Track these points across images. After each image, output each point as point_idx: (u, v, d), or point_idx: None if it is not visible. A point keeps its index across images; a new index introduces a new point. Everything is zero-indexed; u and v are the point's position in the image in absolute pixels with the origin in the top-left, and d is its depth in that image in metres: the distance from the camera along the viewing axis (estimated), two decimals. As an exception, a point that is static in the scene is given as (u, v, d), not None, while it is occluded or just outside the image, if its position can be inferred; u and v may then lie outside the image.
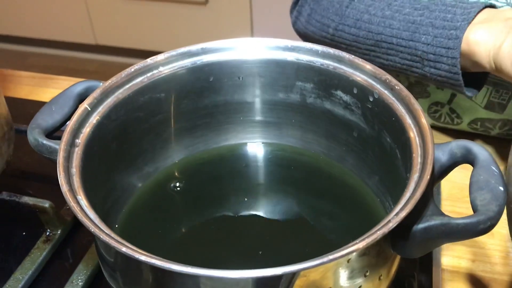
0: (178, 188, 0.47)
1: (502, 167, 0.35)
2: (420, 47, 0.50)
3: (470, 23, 0.46)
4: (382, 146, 0.42)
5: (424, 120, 0.36)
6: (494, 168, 0.34)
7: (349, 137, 0.46)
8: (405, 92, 0.39)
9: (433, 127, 0.63)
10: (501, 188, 0.33)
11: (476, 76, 0.49)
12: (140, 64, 0.43)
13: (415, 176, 0.33)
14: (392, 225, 0.29)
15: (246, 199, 0.47)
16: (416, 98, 0.61)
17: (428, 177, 0.32)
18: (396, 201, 0.41)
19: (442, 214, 0.32)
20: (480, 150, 0.35)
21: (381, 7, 0.54)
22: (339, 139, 0.47)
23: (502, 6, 0.52)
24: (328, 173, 0.49)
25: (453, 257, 0.48)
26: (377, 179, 0.45)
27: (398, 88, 0.39)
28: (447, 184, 0.55)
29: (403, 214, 0.29)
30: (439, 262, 0.46)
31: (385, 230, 0.29)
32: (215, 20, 1.73)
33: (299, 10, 0.63)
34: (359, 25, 0.55)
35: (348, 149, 0.47)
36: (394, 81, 0.40)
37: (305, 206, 0.47)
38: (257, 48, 0.45)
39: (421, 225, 0.32)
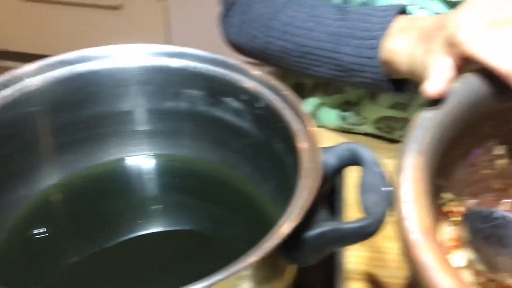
0: (58, 213, 0.43)
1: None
2: (344, 58, 0.51)
3: (387, 32, 0.48)
4: (274, 153, 0.42)
5: (311, 125, 0.36)
6: (378, 169, 0.35)
7: (242, 144, 0.45)
8: (292, 97, 0.39)
9: (338, 130, 0.64)
10: (387, 189, 0.33)
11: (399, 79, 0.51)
12: (5, 75, 0.39)
13: (303, 182, 0.33)
14: (281, 237, 0.28)
15: (137, 217, 0.44)
16: (331, 94, 0.63)
17: (317, 182, 0.31)
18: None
19: (334, 219, 0.32)
20: (366, 151, 0.36)
21: (304, 19, 0.54)
22: (232, 146, 0.46)
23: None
24: (223, 182, 0.47)
25: (356, 263, 0.48)
26: (271, 186, 0.44)
27: (286, 93, 0.39)
28: (353, 189, 0.55)
29: (292, 224, 0.29)
30: (341, 270, 0.47)
31: (273, 242, 0.28)
32: (129, 26, 1.66)
33: (230, 21, 0.62)
34: (285, 37, 0.55)
35: (242, 156, 0.46)
36: (281, 86, 0.40)
37: (202, 218, 0.46)
38: (137, 55, 0.42)
39: (313, 232, 0.31)
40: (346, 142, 0.37)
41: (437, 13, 0.53)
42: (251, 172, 0.46)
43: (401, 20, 0.48)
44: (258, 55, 0.59)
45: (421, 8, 0.53)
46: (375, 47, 0.48)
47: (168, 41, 1.70)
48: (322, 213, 0.33)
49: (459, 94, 0.36)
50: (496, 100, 0.37)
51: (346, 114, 0.63)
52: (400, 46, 0.46)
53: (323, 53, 0.52)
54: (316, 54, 0.53)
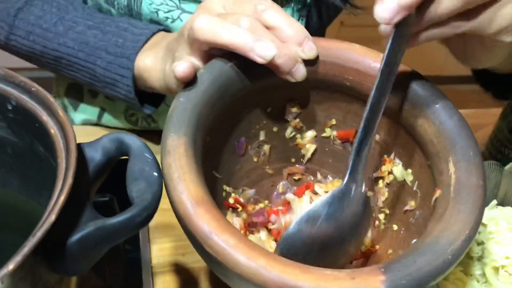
0: None
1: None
2: (98, 70, 0.48)
3: (138, 52, 0.46)
4: (39, 158, 0.37)
5: (64, 119, 0.32)
6: (147, 155, 0.33)
7: (5, 156, 0.39)
8: (43, 92, 0.34)
9: (132, 130, 0.61)
10: (155, 174, 0.32)
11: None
12: None
13: (59, 185, 0.29)
14: (26, 251, 0.24)
15: None
16: (114, 100, 0.59)
17: (68, 183, 0.28)
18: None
19: (98, 217, 0.29)
20: (133, 139, 0.34)
21: (53, 21, 0.49)
22: (-6, 160, 0.40)
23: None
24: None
25: (163, 256, 0.47)
26: (47, 197, 0.39)
27: (35, 89, 0.35)
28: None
29: (39, 234, 0.25)
30: (148, 266, 0.45)
31: (14, 263, 0.24)
32: None
33: None
34: (32, 39, 0.49)
35: (9, 169, 0.40)
36: (30, 82, 0.35)
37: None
38: None
39: (75, 237, 0.28)
40: (111, 133, 0.34)
41: None
42: (24, 185, 0.41)
43: (154, 37, 0.47)
44: (5, 50, 0.53)
45: (184, 12, 0.53)
46: (126, 67, 0.46)
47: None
48: (87, 215, 0.29)
49: (207, 78, 0.36)
50: (248, 81, 0.38)
51: (134, 118, 0.60)
52: (150, 63, 0.45)
53: (76, 61, 0.49)
54: (69, 60, 0.49)
